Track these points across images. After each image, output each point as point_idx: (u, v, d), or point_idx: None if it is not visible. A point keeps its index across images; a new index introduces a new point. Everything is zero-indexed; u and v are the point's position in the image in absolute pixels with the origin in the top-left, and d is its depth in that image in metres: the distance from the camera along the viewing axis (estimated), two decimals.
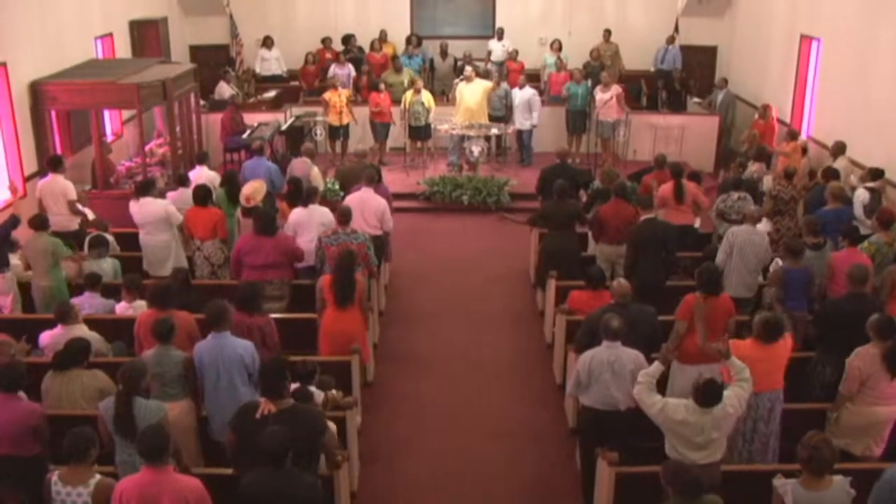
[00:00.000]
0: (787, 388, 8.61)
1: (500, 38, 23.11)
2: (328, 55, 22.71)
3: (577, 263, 12.39)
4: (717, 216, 13.21)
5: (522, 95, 19.74)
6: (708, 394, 7.31)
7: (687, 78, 22.57)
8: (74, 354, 8.29)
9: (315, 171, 14.73)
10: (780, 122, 18.42)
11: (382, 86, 19.98)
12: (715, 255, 11.41)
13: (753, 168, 14.81)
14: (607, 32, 22.73)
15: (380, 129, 20.04)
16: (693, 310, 9.17)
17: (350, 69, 21.81)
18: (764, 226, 13.02)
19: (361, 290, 10.17)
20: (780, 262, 11.12)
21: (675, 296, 9.94)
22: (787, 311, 9.93)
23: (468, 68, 19.88)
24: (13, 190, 12.54)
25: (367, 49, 23.11)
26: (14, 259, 11.54)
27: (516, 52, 22.48)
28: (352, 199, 12.52)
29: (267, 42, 23.11)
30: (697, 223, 13.45)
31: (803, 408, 8.99)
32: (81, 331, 9.29)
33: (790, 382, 8.69)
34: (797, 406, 8.93)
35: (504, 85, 20.19)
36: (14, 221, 11.53)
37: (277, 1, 23.77)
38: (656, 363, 7.94)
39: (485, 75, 20.41)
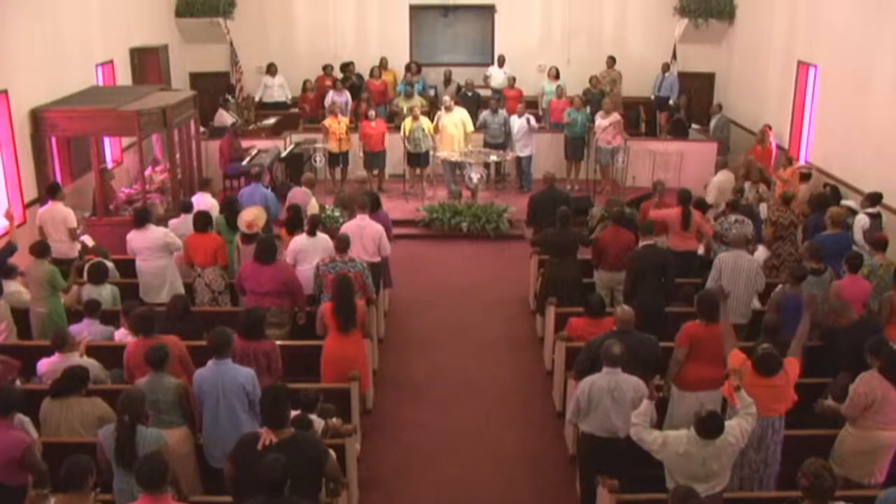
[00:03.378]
0: (794, 415, 8.57)
1: (501, 65, 23.22)
2: (327, 82, 22.74)
3: (579, 290, 12.36)
4: (714, 238, 13.18)
5: (521, 122, 19.77)
6: (710, 425, 7.28)
7: (688, 104, 22.54)
8: (73, 382, 8.25)
9: (313, 202, 14.72)
10: (780, 147, 18.43)
11: (373, 113, 19.94)
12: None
13: (755, 191, 14.78)
14: (611, 59, 22.81)
15: (371, 158, 19.86)
16: (693, 337, 9.14)
17: (347, 96, 21.85)
18: (761, 253, 13.01)
19: (362, 314, 10.15)
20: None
21: (675, 323, 9.91)
22: (780, 338, 9.88)
23: (447, 98, 20.00)
24: (9, 216, 12.51)
25: (366, 76, 23.13)
26: (16, 285, 11.51)
27: (514, 79, 22.51)
28: (349, 227, 12.49)
29: (271, 69, 23.14)
30: (701, 250, 13.41)
31: (805, 434, 8.92)
32: (78, 358, 9.23)
33: (796, 409, 8.63)
34: (799, 432, 8.86)
35: (502, 112, 20.21)
36: (10, 249, 11.50)
37: (277, 29, 23.83)
38: (645, 402, 7.91)
39: (475, 102, 20.58)
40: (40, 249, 11.43)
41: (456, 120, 19.38)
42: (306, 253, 12.01)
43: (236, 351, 8.67)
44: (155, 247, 12.22)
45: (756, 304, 11.55)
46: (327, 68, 23.08)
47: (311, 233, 12.18)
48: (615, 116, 19.74)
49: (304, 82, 22.91)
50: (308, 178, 15.41)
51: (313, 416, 8.45)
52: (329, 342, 10.13)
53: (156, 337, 8.82)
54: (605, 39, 23.85)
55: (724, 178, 16.30)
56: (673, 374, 8.04)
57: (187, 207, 13.68)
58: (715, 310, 9.20)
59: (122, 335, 10.45)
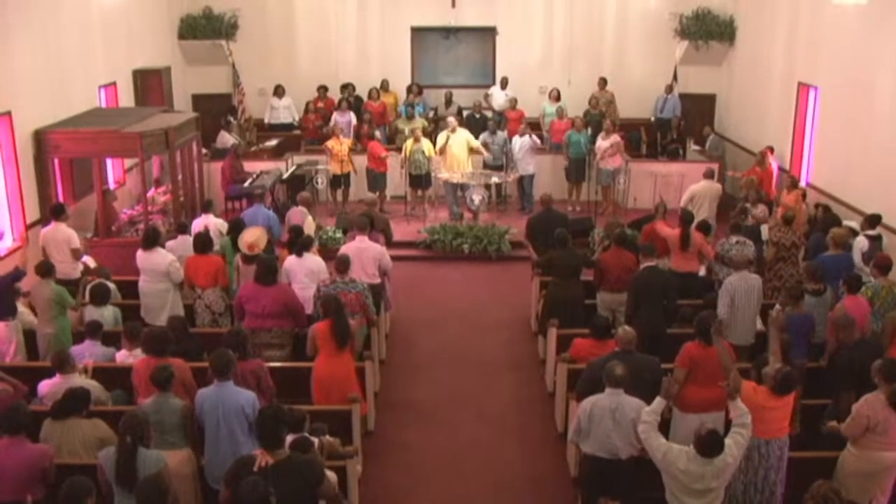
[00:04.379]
0: (798, 437, 8.55)
1: (504, 86, 23.26)
2: (320, 103, 22.86)
3: (581, 312, 12.34)
4: (716, 260, 13.16)
5: (523, 143, 19.81)
6: (710, 444, 7.27)
7: (679, 125, 22.56)
8: (74, 403, 8.23)
9: (309, 220, 14.76)
10: (781, 169, 18.43)
11: (378, 134, 19.99)
12: (714, 303, 11.36)
13: (758, 210, 14.77)
14: (602, 81, 22.87)
15: (379, 178, 20.00)
16: (692, 358, 9.12)
17: (351, 117, 21.91)
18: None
19: (354, 332, 10.14)
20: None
21: (676, 344, 9.89)
22: (787, 359, 9.87)
23: (451, 119, 20.03)
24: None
25: (364, 98, 23.16)
26: (20, 306, 11.51)
27: (515, 100, 22.53)
28: (348, 249, 12.46)
29: (278, 91, 23.19)
30: (702, 271, 13.39)
31: (811, 456, 8.90)
32: (80, 379, 9.21)
33: (801, 430, 8.61)
34: (805, 455, 8.84)
35: (502, 133, 20.26)
36: (17, 274, 11.53)
37: (280, 51, 23.90)
38: (658, 399, 7.91)
39: (482, 125, 20.61)
40: (45, 269, 11.45)
41: (461, 141, 19.38)
42: (294, 273, 12.06)
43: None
44: (158, 271, 12.21)
45: (758, 324, 11.53)
46: (320, 90, 23.14)
47: (299, 254, 12.20)
48: (616, 138, 19.76)
49: (307, 104, 23.01)
50: (305, 198, 15.46)
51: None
52: (319, 363, 10.10)
53: (164, 358, 8.82)
54: (605, 61, 23.90)
55: (702, 186, 16.65)
56: (669, 393, 8.01)
57: (183, 228, 13.72)
58: (710, 333, 9.17)
59: (123, 356, 10.42)
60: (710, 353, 9.08)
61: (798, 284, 11.22)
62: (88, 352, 10.41)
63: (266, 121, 23.42)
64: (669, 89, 23.05)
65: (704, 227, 13.62)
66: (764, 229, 14.20)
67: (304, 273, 12.02)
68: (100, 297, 11.49)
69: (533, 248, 14.29)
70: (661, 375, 9.09)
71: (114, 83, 18.41)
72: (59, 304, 11.25)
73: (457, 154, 19.29)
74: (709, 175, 17.08)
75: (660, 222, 13.78)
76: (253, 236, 12.44)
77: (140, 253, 12.32)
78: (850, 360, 9.48)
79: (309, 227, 14.49)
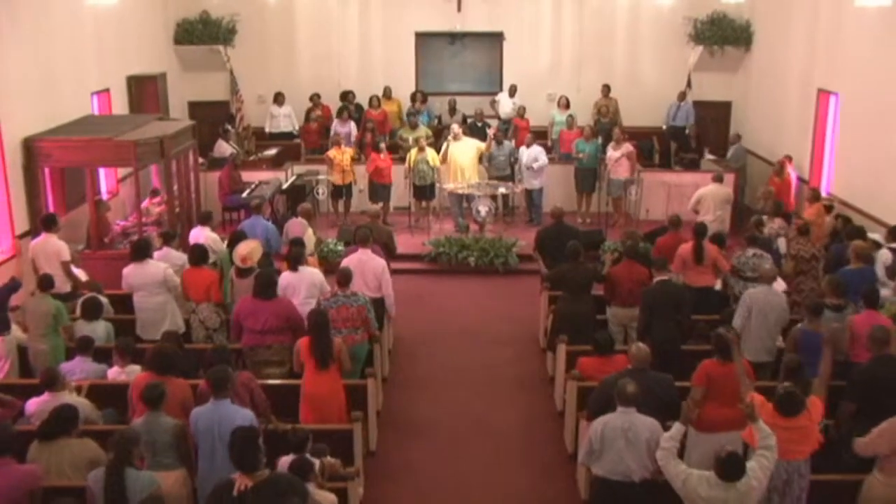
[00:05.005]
0: (817, 459, 8.43)
1: (513, 94, 23.23)
2: (317, 111, 22.93)
3: (592, 327, 12.26)
4: (732, 273, 13.09)
5: (530, 154, 19.78)
6: (730, 467, 7.16)
7: (701, 134, 22.49)
8: (62, 423, 8.11)
9: (310, 232, 14.72)
10: (800, 179, 18.35)
11: (383, 145, 19.98)
12: (731, 319, 11.28)
13: (774, 224, 14.70)
14: (605, 87, 22.93)
15: (380, 190, 19.96)
16: (710, 376, 9.04)
17: (351, 127, 21.91)
18: (779, 284, 12.90)
19: (338, 350, 10.07)
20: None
21: (691, 361, 9.84)
22: (803, 378, 9.76)
23: (455, 126, 19.99)
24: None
25: (365, 106, 23.16)
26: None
27: (523, 108, 22.53)
28: (350, 262, 12.40)
29: (278, 99, 23.23)
30: (719, 285, 13.32)
31: (833, 479, 8.80)
32: (70, 397, 9.14)
33: (819, 452, 8.49)
34: (827, 477, 8.74)
35: (509, 143, 20.23)
36: (14, 285, 11.48)
37: (279, 57, 23.92)
38: (677, 424, 7.82)
39: (483, 133, 20.66)
40: (46, 283, 11.43)
41: (465, 149, 19.34)
42: (292, 288, 11.92)
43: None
44: (154, 282, 12.16)
45: (779, 341, 11.44)
46: (314, 97, 23.19)
47: (294, 268, 12.08)
48: (627, 147, 19.71)
49: (307, 112, 23.02)
50: (305, 209, 15.41)
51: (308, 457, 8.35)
52: (305, 380, 10.08)
53: (167, 377, 8.79)
54: (616, 67, 23.92)
55: (710, 189, 16.75)
56: (689, 418, 7.93)
57: (169, 238, 13.67)
58: (729, 349, 9.10)
59: (115, 373, 10.37)
60: (728, 370, 9.01)
61: (818, 299, 11.12)
62: (79, 368, 10.36)
63: (265, 129, 23.43)
64: (682, 96, 23.02)
65: (718, 239, 13.56)
66: (781, 242, 14.13)
67: (305, 287, 11.91)
68: (91, 311, 11.44)
69: (542, 261, 14.24)
70: (675, 394, 9.02)
71: (107, 90, 18.39)
72: (56, 318, 11.21)
73: (461, 163, 19.25)
74: (717, 178, 17.15)
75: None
76: (247, 248, 12.38)
77: (130, 268, 12.26)
78: (871, 376, 9.35)
79: (309, 239, 14.45)
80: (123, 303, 12.71)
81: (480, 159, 19.64)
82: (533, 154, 19.76)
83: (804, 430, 8.20)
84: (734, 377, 8.92)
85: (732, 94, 23.91)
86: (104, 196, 17.21)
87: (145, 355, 9.52)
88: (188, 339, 11.97)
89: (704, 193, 16.91)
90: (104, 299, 12.19)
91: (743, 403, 7.97)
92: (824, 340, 9.61)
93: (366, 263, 12.50)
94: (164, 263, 12.43)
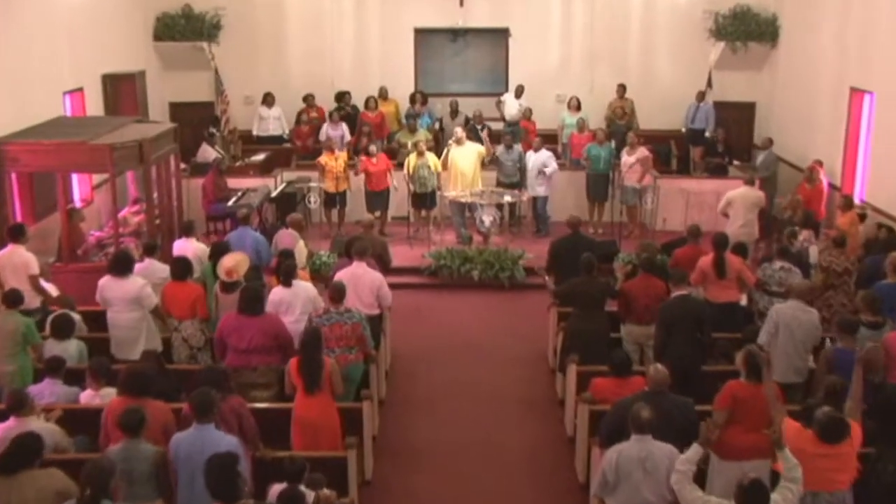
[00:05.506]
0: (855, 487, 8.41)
1: (519, 95, 23.18)
2: (312, 113, 22.90)
3: (606, 347, 12.21)
4: (756, 287, 13.05)
5: (537, 159, 19.78)
6: (753, 496, 7.10)
7: (726, 139, 22.40)
8: (23, 454, 7.74)
9: (301, 245, 14.66)
10: (832, 186, 18.29)
11: (374, 147, 19.94)
12: (756, 337, 11.23)
13: (802, 236, 14.67)
14: (621, 87, 22.95)
15: (375, 198, 19.93)
16: (736, 398, 8.99)
17: (343, 130, 21.89)
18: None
19: (330, 372, 10.05)
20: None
21: (712, 383, 9.79)
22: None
23: (458, 130, 19.97)
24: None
25: (360, 107, 23.13)
26: None
27: (530, 110, 22.52)
28: (343, 275, 12.36)
29: (267, 99, 23.24)
30: (744, 301, 13.27)
31: None
32: (37, 423, 9.05)
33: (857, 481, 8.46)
34: None
35: (517, 147, 20.21)
36: None
37: (268, 55, 23.94)
38: (695, 446, 7.79)
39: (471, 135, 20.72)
40: (14, 298, 11.38)
41: (468, 154, 19.35)
42: (286, 304, 11.92)
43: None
44: (129, 299, 12.08)
45: (810, 361, 11.38)
46: (308, 98, 23.18)
47: (287, 283, 12.07)
48: (643, 152, 19.71)
49: (299, 114, 23.02)
50: (295, 219, 15.36)
51: (303, 488, 8.30)
52: (297, 403, 10.08)
53: (143, 399, 8.73)
54: (631, 66, 23.92)
55: (740, 192, 16.81)
56: (709, 441, 7.89)
57: (151, 249, 13.62)
58: (759, 369, 9.05)
59: (88, 397, 10.31)
60: (756, 392, 8.95)
61: (851, 315, 11.07)
62: (49, 391, 10.27)
63: (253, 132, 23.45)
64: (701, 97, 23.00)
65: (741, 250, 13.53)
66: (812, 252, 14.08)
67: (300, 304, 11.91)
68: (62, 329, 11.35)
69: (555, 275, 14.20)
70: (696, 419, 8.98)
71: (80, 89, 18.35)
72: (25, 337, 11.14)
73: (463, 170, 19.26)
74: (749, 181, 17.19)
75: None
76: (232, 261, 12.36)
77: (106, 280, 12.18)
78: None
79: (300, 252, 14.40)
80: (98, 320, 12.63)
81: (483, 164, 19.61)
82: (541, 159, 19.77)
83: (845, 458, 8.18)
84: (763, 400, 8.88)
85: (757, 95, 23.91)
86: (77, 204, 17.18)
87: (118, 377, 9.47)
88: (169, 358, 11.93)
89: (734, 196, 16.93)
90: (77, 316, 12.15)
91: (771, 429, 7.92)
92: (857, 359, 9.58)
93: (360, 277, 12.48)
94: (143, 280, 12.34)
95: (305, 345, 9.99)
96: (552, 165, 19.81)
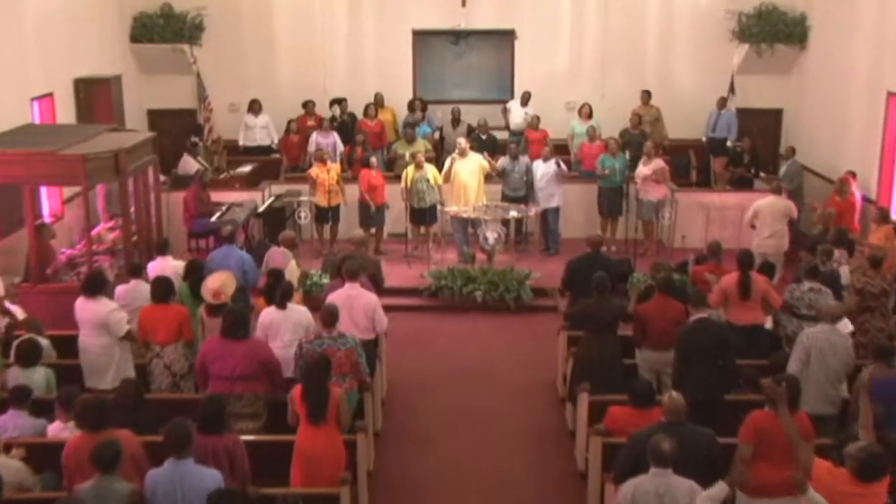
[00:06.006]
0: None
1: (525, 103, 23.19)
2: (310, 122, 22.84)
3: (619, 374, 12.22)
4: (784, 310, 13.01)
5: (546, 169, 19.73)
6: None
7: (752, 149, 22.30)
8: None
9: (293, 264, 14.63)
10: (866, 199, 18.24)
11: (374, 159, 19.93)
12: (784, 363, 11.19)
13: (833, 255, 14.62)
14: (646, 94, 22.91)
15: (375, 213, 19.90)
16: (760, 431, 8.94)
17: (335, 139, 21.88)
18: (845, 325, 12.81)
19: (336, 402, 10.00)
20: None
21: (735, 413, 9.75)
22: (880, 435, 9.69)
23: (461, 140, 19.95)
24: None
25: (359, 115, 23.12)
26: None
27: (538, 119, 22.49)
28: (336, 297, 12.33)
29: (254, 107, 23.23)
30: (769, 323, 13.23)
31: None
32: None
33: None
34: None
35: (523, 159, 20.19)
36: None
37: (255, 58, 23.96)
38: (721, 483, 7.76)
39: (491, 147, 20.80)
40: None
41: (472, 167, 19.35)
42: (276, 328, 11.91)
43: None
44: (98, 322, 12.06)
45: (843, 390, 11.33)
46: (308, 105, 23.17)
47: (282, 304, 12.05)
48: (659, 163, 19.71)
49: (289, 123, 23.00)
50: (287, 237, 15.30)
51: None
52: (300, 435, 10.01)
53: (105, 431, 8.64)
54: (647, 70, 23.94)
55: (768, 202, 17.00)
56: (738, 480, 7.84)
57: (136, 271, 13.57)
58: (795, 397, 9.02)
59: (56, 430, 10.25)
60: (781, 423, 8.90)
61: (889, 341, 11.04)
62: (12, 424, 10.21)
63: (239, 142, 23.45)
64: (723, 103, 22.99)
65: (767, 269, 13.50)
66: (844, 272, 14.04)
67: (291, 328, 11.90)
68: (28, 356, 11.27)
69: (570, 297, 14.17)
70: (718, 452, 8.94)
71: (50, 94, 18.34)
72: None
73: (466, 183, 19.24)
74: (776, 190, 17.33)
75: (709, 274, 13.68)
76: (218, 282, 12.31)
77: (80, 301, 12.18)
78: None
79: (292, 272, 14.36)
80: (68, 345, 12.57)
81: (487, 177, 19.58)
82: (550, 170, 19.71)
83: (878, 498, 8.13)
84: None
85: (784, 100, 23.90)
86: (47, 220, 17.14)
87: (74, 409, 9.37)
88: (147, 387, 11.79)
89: (761, 206, 17.07)
90: (45, 341, 12.09)
91: (792, 473, 7.88)
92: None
93: (355, 299, 12.46)
94: (112, 304, 12.30)
95: (311, 371, 9.93)
96: (550, 167, 19.74)
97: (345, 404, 10.23)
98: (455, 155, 19.58)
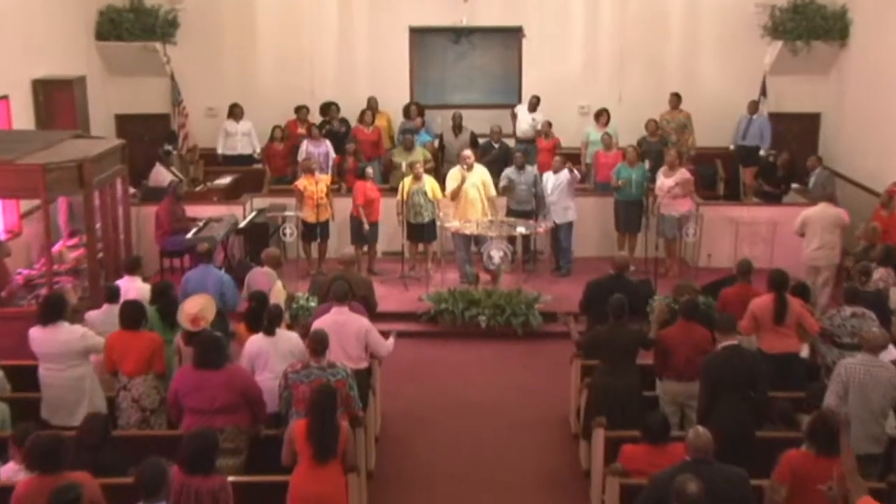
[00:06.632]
0: None
1: (533, 109, 23.20)
2: (300, 129, 22.84)
3: (639, 407, 12.18)
4: (823, 338, 12.96)
5: (557, 180, 19.71)
6: None
7: (790, 163, 22.19)
8: None
9: (279, 286, 14.63)
10: None
11: (370, 170, 19.92)
12: (821, 397, 11.16)
13: (877, 275, 14.60)
14: (675, 97, 22.87)
15: (369, 229, 19.90)
16: (796, 472, 8.92)
17: (328, 147, 21.91)
18: (889, 353, 12.79)
19: (346, 438, 9.98)
20: None
21: (768, 452, 9.73)
22: None
23: (466, 153, 19.88)
24: None
25: (353, 121, 23.16)
26: None
27: (549, 124, 22.51)
28: (323, 323, 12.32)
29: (235, 112, 23.30)
30: (805, 352, 13.20)
31: None
32: None
33: None
34: None
35: (531, 169, 20.19)
36: None
37: (236, 58, 24.05)
38: None
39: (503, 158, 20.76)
40: None
41: (476, 181, 19.35)
42: (265, 357, 11.86)
43: (173, 489, 8.47)
44: (68, 352, 11.95)
45: (890, 426, 11.30)
46: (301, 111, 23.17)
47: (270, 330, 12.02)
48: (683, 174, 19.67)
49: (273, 129, 22.97)
50: (271, 256, 15.30)
51: None
52: (297, 476, 9.95)
53: (61, 474, 8.59)
54: (669, 70, 23.99)
55: (817, 210, 17.19)
56: None
57: (113, 295, 13.50)
58: (834, 438, 8.98)
59: (11, 471, 10.19)
60: (822, 465, 8.90)
61: None
62: None
63: (217, 151, 23.51)
64: (755, 108, 22.99)
65: (802, 291, 13.48)
66: (893, 295, 14.03)
67: (281, 357, 11.82)
68: None
69: (588, 323, 14.16)
70: (749, 494, 8.92)
71: (5, 97, 18.30)
72: None
73: (474, 198, 19.25)
74: (827, 198, 17.57)
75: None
76: (197, 306, 12.26)
77: (36, 331, 12.06)
78: None
79: (277, 295, 14.33)
80: (25, 376, 12.49)
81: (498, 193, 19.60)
82: (561, 181, 19.60)
83: None
84: (830, 475, 8.80)
85: (822, 104, 23.94)
86: (1, 236, 17.17)
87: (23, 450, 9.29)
88: (114, 425, 11.68)
89: (810, 215, 17.25)
90: None
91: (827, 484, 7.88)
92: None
93: (344, 325, 12.46)
94: (82, 328, 12.27)
95: (318, 405, 9.89)
96: (562, 177, 19.63)
97: (353, 442, 10.25)
98: (465, 170, 19.37)
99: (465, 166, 19.41)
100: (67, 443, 9.12)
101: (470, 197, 19.25)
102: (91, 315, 13.01)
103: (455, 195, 19.35)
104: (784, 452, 9.20)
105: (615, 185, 20.17)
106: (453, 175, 19.57)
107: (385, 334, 13.24)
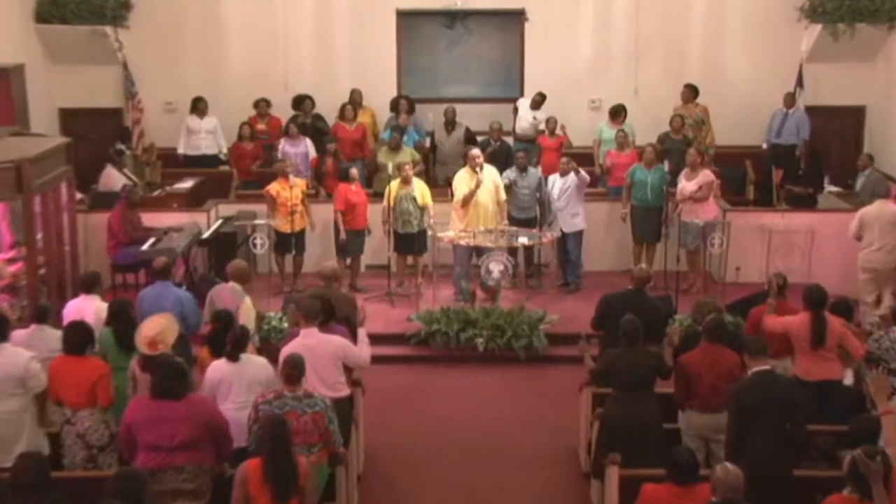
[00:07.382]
0: None
1: (536, 106, 23.21)
2: (260, 125, 23.02)
3: (658, 441, 12.14)
4: (868, 364, 12.90)
5: (565, 184, 19.71)
6: None
7: (813, 152, 22.17)
8: None
9: (247, 303, 14.59)
10: None
11: (355, 172, 19.86)
12: (870, 430, 11.13)
13: None
14: (688, 90, 22.88)
15: (352, 239, 19.91)
16: None
17: (307, 147, 21.92)
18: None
19: (305, 478, 9.94)
20: None
21: (808, 492, 9.69)
22: None
23: (475, 152, 19.75)
24: None
25: (330, 118, 23.22)
26: None
27: (555, 121, 22.53)
28: (294, 347, 12.21)
29: (198, 106, 23.31)
30: (849, 379, 13.15)
31: None
32: None
33: None
34: None
35: (534, 171, 20.24)
36: None
37: (198, 45, 24.06)
38: None
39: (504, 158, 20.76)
40: None
41: (489, 184, 19.28)
42: (227, 385, 11.81)
43: None
44: (7, 377, 11.85)
45: None
46: (260, 105, 23.19)
47: (233, 355, 11.93)
48: (707, 175, 19.65)
49: (241, 126, 22.98)
50: (238, 269, 15.21)
51: None
52: None
53: None
54: (690, 59, 24.09)
55: (875, 209, 17.23)
56: None
57: (43, 314, 13.45)
58: (889, 475, 8.94)
59: None
60: None
61: None
62: None
63: (178, 151, 23.54)
64: (791, 101, 22.96)
65: (845, 309, 13.44)
66: None
67: (246, 386, 11.78)
68: None
69: (602, 344, 14.15)
70: None
71: None
72: None
73: (485, 204, 19.17)
74: (884, 194, 17.68)
75: (767, 317, 13.62)
76: (156, 328, 12.19)
77: None
78: None
79: (245, 315, 14.30)
80: None
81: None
82: (569, 184, 19.60)
83: None
84: None
85: (867, 95, 24.00)
86: None
87: None
88: (58, 462, 11.71)
89: (867, 213, 17.38)
90: None
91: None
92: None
93: (315, 349, 12.29)
94: (27, 353, 12.13)
95: (274, 441, 9.84)
96: (569, 180, 19.61)
97: (314, 479, 10.20)
98: (478, 172, 19.19)
99: (476, 167, 19.23)
100: (3, 486, 9.09)
101: (482, 203, 19.16)
102: (16, 335, 12.76)
103: (467, 202, 19.17)
104: (825, 499, 9.16)
105: (626, 186, 20.17)
106: (463, 178, 19.37)
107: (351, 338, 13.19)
